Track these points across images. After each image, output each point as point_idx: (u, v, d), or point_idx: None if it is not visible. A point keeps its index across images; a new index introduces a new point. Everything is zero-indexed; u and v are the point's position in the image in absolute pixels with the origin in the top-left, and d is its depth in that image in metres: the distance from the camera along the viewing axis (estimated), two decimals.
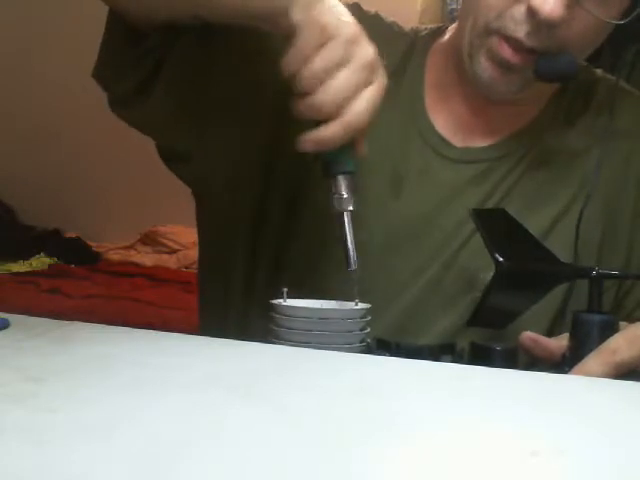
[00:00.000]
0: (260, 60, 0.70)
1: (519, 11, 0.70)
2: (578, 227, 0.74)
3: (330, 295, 0.64)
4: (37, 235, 3.17)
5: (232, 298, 0.84)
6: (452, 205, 0.79)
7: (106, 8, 0.69)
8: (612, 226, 0.81)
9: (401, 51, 0.83)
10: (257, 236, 0.81)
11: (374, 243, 0.77)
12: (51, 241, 3.11)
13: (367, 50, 0.63)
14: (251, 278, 0.82)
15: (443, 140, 0.81)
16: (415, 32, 0.86)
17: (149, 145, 0.80)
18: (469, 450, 0.34)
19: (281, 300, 0.61)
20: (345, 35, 0.62)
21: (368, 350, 0.60)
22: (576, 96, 0.84)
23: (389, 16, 0.87)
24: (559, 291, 0.75)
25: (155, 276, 2.72)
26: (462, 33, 0.76)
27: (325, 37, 0.61)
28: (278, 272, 0.80)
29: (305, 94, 0.62)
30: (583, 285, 0.64)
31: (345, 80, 0.62)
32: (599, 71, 0.86)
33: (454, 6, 2.58)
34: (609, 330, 0.59)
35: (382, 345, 0.62)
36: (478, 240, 0.67)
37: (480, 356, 0.60)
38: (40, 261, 2.93)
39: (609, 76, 0.85)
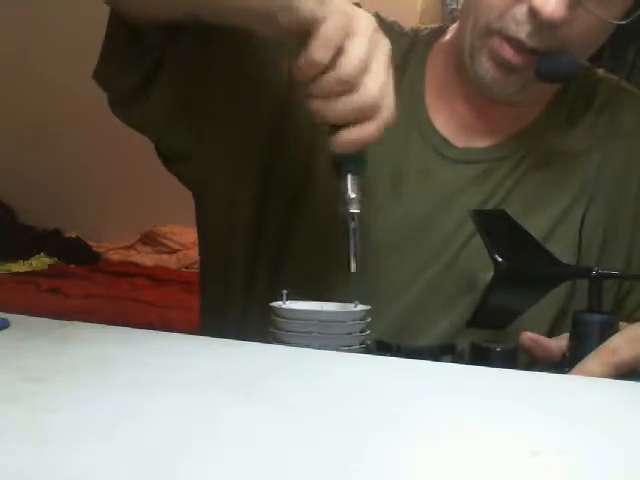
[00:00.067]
0: (260, 60, 0.70)
1: (520, 11, 0.70)
2: (581, 232, 0.73)
3: (330, 295, 0.64)
4: (37, 235, 3.17)
5: (232, 298, 0.84)
6: (452, 205, 0.79)
7: (106, 9, 0.69)
8: (613, 226, 0.81)
9: (402, 51, 0.83)
10: (257, 236, 0.81)
11: (374, 243, 0.77)
12: (51, 241, 3.11)
13: (387, 42, 0.61)
14: (251, 278, 0.82)
15: (444, 140, 0.81)
16: (416, 32, 0.86)
17: (149, 145, 0.80)
18: (469, 450, 0.34)
19: (280, 302, 0.61)
20: (368, 26, 0.59)
21: (368, 352, 0.60)
22: (577, 97, 0.83)
23: (389, 16, 0.86)
24: (561, 291, 0.75)
25: (155, 276, 2.72)
26: (463, 33, 0.76)
27: (351, 28, 0.58)
28: (278, 272, 0.80)
29: (336, 94, 0.58)
30: (585, 285, 0.64)
31: (378, 76, 0.59)
32: (600, 71, 0.86)
33: (454, 6, 2.58)
34: (609, 330, 0.59)
35: (382, 347, 0.62)
36: (478, 241, 0.67)
37: (480, 356, 0.60)
38: (40, 261, 2.94)
39: (611, 76, 0.85)
